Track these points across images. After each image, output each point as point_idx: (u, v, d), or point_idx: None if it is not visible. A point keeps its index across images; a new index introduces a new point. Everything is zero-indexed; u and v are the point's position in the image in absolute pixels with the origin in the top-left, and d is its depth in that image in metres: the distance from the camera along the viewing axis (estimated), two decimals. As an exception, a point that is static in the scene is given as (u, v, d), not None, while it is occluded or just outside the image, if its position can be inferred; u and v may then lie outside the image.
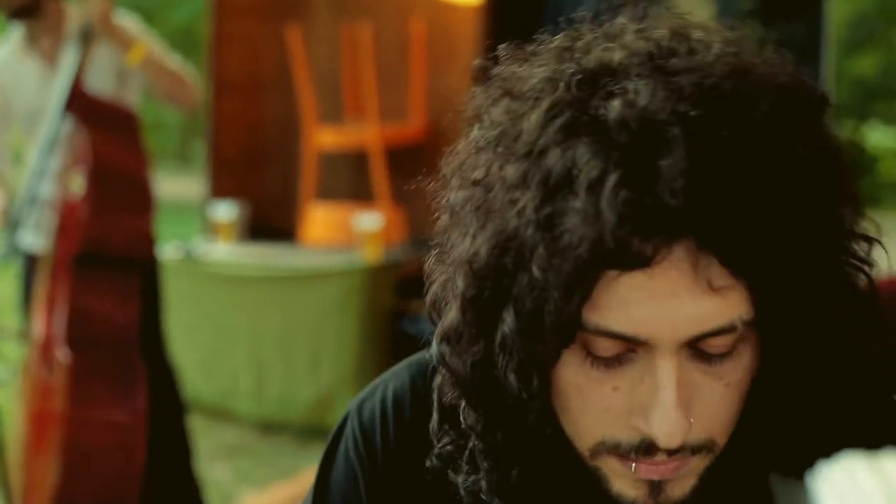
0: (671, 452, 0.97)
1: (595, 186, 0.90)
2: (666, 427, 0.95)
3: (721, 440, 1.01)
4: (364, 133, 5.95)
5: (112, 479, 3.13)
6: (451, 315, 1.02)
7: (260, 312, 5.52)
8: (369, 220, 5.59)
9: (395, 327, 5.46)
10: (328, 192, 6.13)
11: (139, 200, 3.25)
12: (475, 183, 1.00)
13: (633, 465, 0.99)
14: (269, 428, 5.42)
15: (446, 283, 1.02)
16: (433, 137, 5.94)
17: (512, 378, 0.99)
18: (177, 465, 3.85)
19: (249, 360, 5.53)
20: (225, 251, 5.85)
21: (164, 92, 3.70)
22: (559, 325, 0.94)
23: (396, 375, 1.19)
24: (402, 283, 5.57)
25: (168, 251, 5.58)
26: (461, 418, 1.06)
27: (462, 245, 0.99)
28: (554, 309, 0.93)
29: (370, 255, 5.53)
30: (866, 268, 1.01)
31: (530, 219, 0.93)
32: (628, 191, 0.90)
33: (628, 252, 0.90)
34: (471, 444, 1.07)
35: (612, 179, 0.90)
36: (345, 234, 5.79)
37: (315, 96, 5.99)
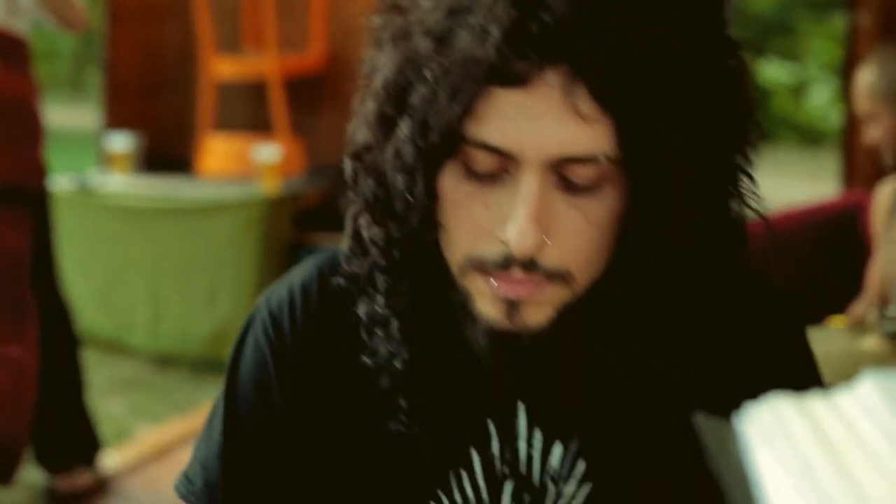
0: (527, 269, 1.05)
1: (489, 6, 1.02)
2: (518, 233, 1.03)
3: (579, 276, 1.08)
4: (263, 63, 5.85)
5: (2, 415, 3.05)
6: (361, 133, 1.13)
7: (156, 245, 5.44)
8: (268, 152, 5.52)
9: (293, 259, 5.41)
10: (226, 123, 6.03)
11: (29, 130, 3.16)
12: (398, 12, 1.10)
13: (494, 281, 1.07)
14: (165, 362, 5.35)
15: (364, 111, 1.13)
16: (333, 67, 5.86)
17: (400, 180, 1.09)
18: (70, 400, 3.78)
19: (145, 293, 5.45)
20: (120, 182, 5.74)
21: (54, 16, 3.58)
22: (444, 133, 1.04)
23: (302, 268, 1.27)
24: (300, 215, 5.52)
25: (62, 183, 5.46)
26: (364, 235, 1.16)
27: (380, 71, 1.10)
28: (441, 117, 1.04)
29: (269, 186, 5.46)
30: (745, 151, 1.09)
31: (432, 34, 1.05)
32: (516, 11, 1.00)
33: (507, 69, 1.01)
34: (372, 262, 1.16)
35: (504, 2, 1.01)
36: (243, 165, 5.71)
37: (213, 24, 5.87)
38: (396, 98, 1.08)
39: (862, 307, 3.30)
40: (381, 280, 1.16)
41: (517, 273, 1.05)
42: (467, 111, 1.02)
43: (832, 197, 4.53)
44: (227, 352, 1.21)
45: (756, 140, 1.10)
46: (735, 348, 1.16)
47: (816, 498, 0.55)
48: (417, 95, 1.05)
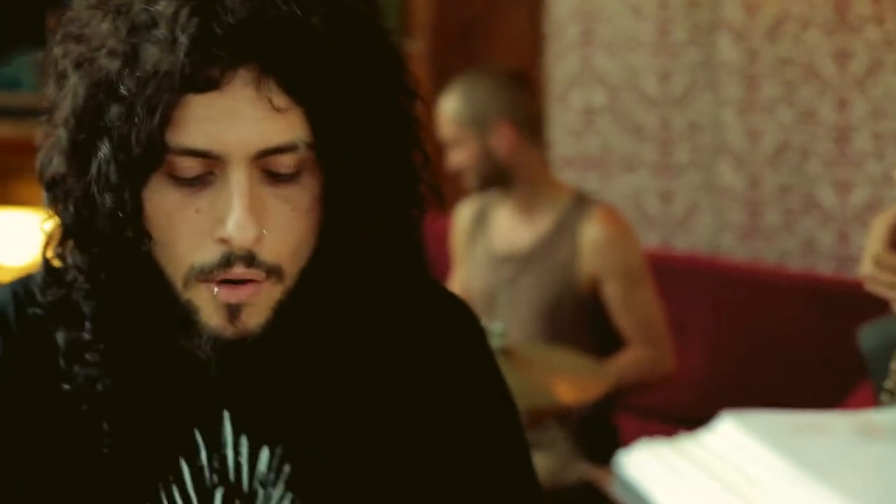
0: (248, 264, 1.11)
1: (172, 18, 1.07)
2: (238, 224, 1.09)
3: (289, 268, 1.15)
4: None
5: None
6: (55, 163, 1.14)
7: None
8: None
9: None
10: None
11: None
12: (77, 40, 1.13)
13: (216, 289, 1.12)
14: None
15: (53, 142, 1.14)
16: None
17: (108, 198, 1.11)
18: None
19: None
20: None
21: None
22: (146, 146, 1.08)
23: None
24: None
25: None
26: (68, 260, 1.18)
27: (65, 100, 1.12)
28: (141, 131, 1.07)
29: None
30: (413, 137, 1.20)
31: (118, 55, 1.09)
32: (199, 18, 1.07)
33: (199, 76, 1.07)
34: (75, 293, 1.18)
35: (185, 11, 1.07)
36: None
37: None
38: (90, 122, 1.11)
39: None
40: (86, 306, 1.18)
41: (239, 269, 1.11)
42: (166, 121, 1.08)
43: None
44: None
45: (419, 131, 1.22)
46: (419, 342, 1.26)
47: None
48: (114, 115, 1.09)
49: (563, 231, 3.15)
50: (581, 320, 3.13)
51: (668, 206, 4.17)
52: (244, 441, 1.22)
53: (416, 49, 4.72)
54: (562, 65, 4.31)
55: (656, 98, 4.15)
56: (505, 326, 2.81)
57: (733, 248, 4.06)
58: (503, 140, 3.15)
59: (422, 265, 1.26)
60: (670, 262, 3.94)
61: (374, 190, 1.16)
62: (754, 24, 3.91)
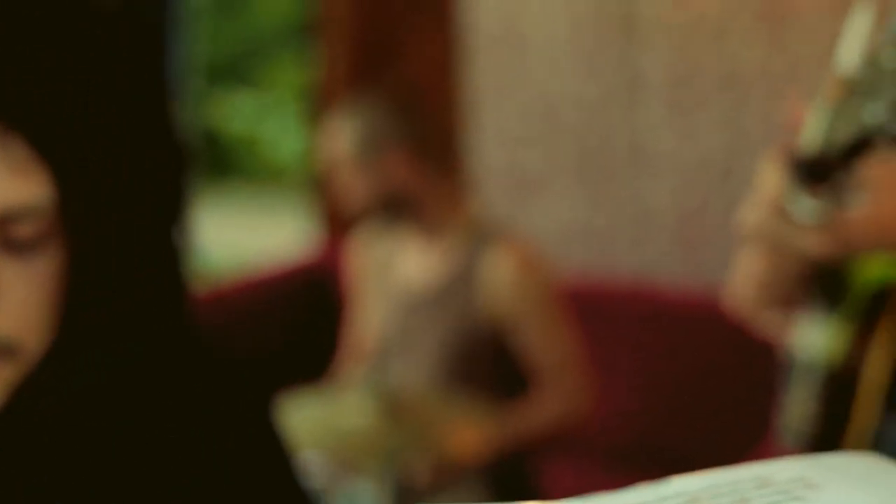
0: None
1: None
2: None
3: (31, 344, 1.04)
4: None
5: None
6: None
7: None
8: None
9: None
10: None
11: None
12: None
13: None
14: None
15: None
16: None
17: None
18: None
19: None
20: None
21: None
22: None
23: None
24: None
25: None
26: None
27: None
28: None
29: None
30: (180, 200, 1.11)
31: None
32: None
33: None
34: None
35: None
36: None
37: None
38: None
39: (351, 368, 3.36)
40: None
41: None
42: None
43: (308, 249, 4.62)
44: None
45: (189, 192, 1.13)
46: (188, 421, 1.15)
47: None
48: None
49: (466, 270, 3.07)
50: (486, 364, 3.06)
51: (593, 225, 4.10)
52: None
53: (332, 70, 4.65)
54: (478, 77, 4.23)
55: (577, 111, 4.07)
56: (397, 368, 2.74)
57: (663, 273, 3.99)
58: (398, 168, 3.06)
59: (193, 338, 1.17)
60: (596, 288, 3.86)
61: (125, 267, 1.07)
62: (677, 28, 3.85)
